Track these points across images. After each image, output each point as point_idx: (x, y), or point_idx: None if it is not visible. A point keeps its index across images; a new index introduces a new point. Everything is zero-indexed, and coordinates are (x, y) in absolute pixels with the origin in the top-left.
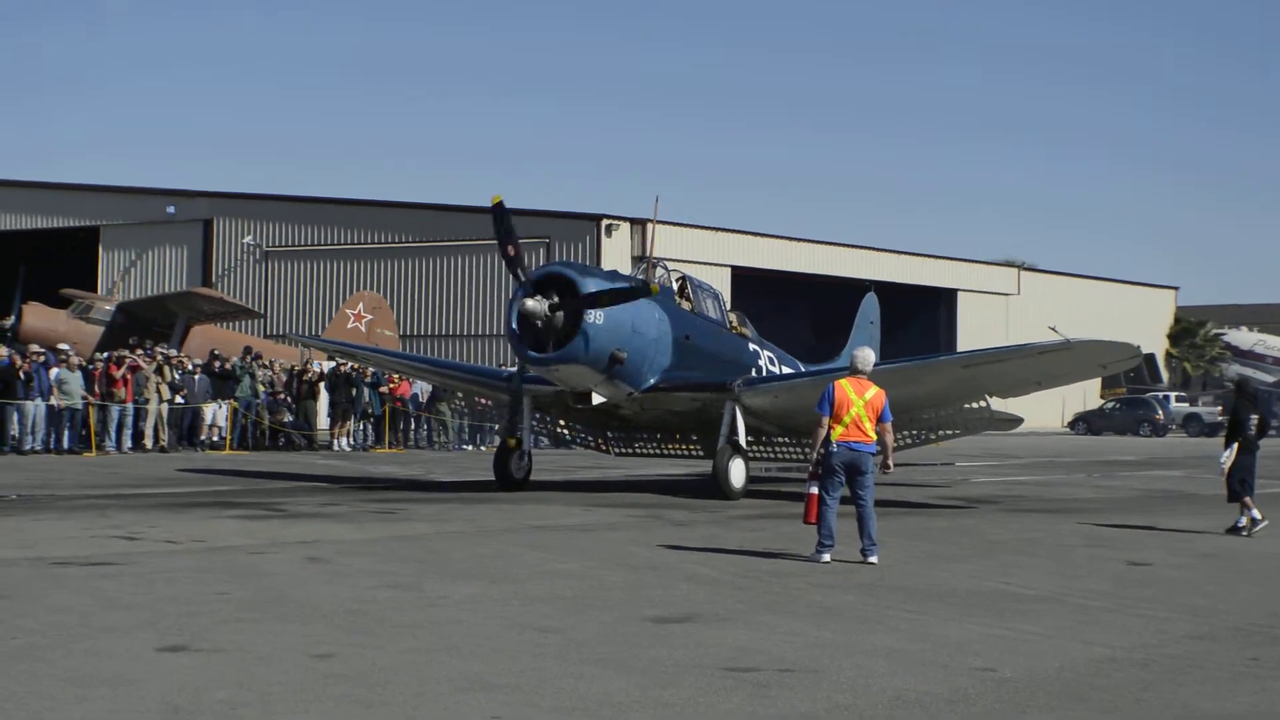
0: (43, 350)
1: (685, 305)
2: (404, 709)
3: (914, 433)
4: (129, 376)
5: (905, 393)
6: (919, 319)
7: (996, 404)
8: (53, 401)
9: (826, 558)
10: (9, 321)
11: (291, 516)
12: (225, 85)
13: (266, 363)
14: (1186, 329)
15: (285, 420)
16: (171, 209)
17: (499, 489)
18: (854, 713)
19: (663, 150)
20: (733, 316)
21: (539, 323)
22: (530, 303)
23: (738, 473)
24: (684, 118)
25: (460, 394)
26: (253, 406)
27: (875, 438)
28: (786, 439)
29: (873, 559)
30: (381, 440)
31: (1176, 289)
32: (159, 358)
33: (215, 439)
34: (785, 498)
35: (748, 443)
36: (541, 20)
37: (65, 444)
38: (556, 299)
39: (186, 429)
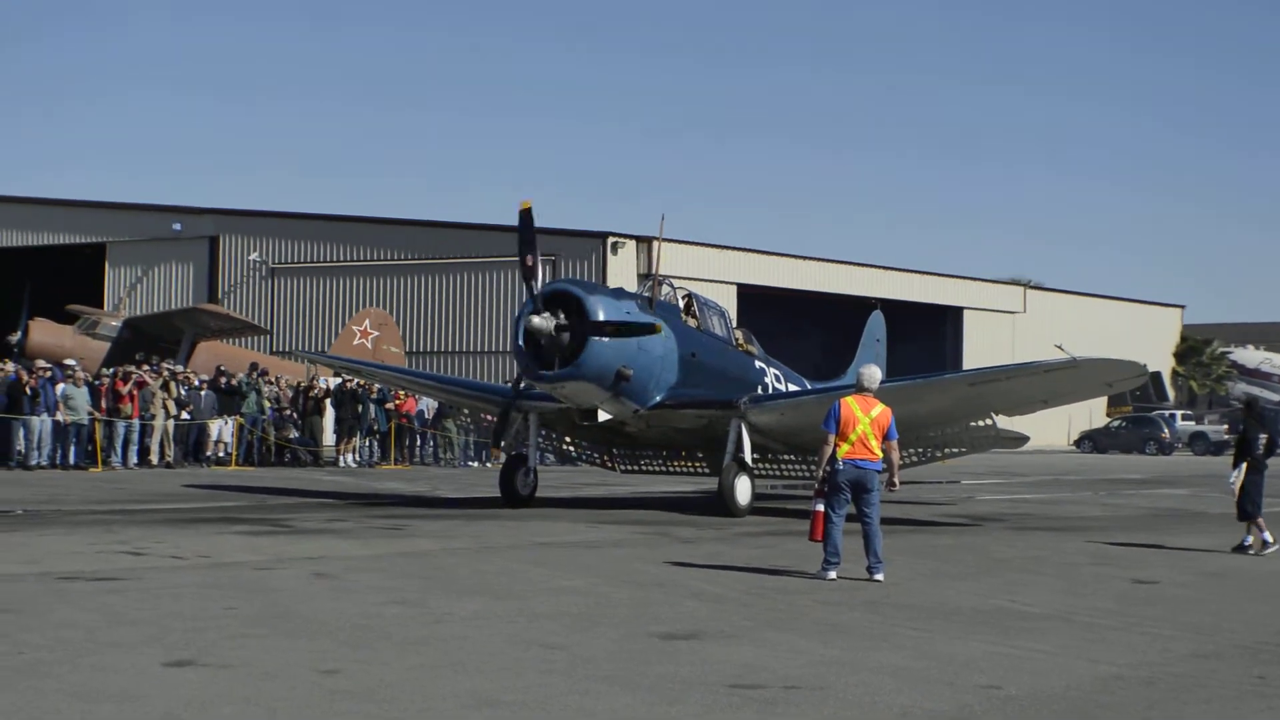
0: (49, 366)
1: (691, 323)
2: None
3: (920, 450)
4: (135, 392)
5: (911, 410)
6: (925, 337)
7: (1002, 422)
8: (59, 417)
9: (832, 575)
10: (16, 337)
11: (297, 532)
12: (231, 102)
13: (272, 379)
14: (1192, 347)
15: (291, 436)
16: (177, 226)
17: (505, 505)
18: None
19: (669, 168)
20: (739, 334)
21: (545, 340)
22: (537, 320)
23: (744, 490)
24: (690, 136)
25: (466, 410)
26: (259, 423)
27: (881, 455)
28: (792, 456)
29: (879, 576)
30: (387, 457)
31: (1183, 307)
32: (165, 374)
33: (221, 455)
34: (791, 515)
35: (754, 460)
36: (549, 39)
37: (71, 459)
38: (563, 317)
39: (192, 445)
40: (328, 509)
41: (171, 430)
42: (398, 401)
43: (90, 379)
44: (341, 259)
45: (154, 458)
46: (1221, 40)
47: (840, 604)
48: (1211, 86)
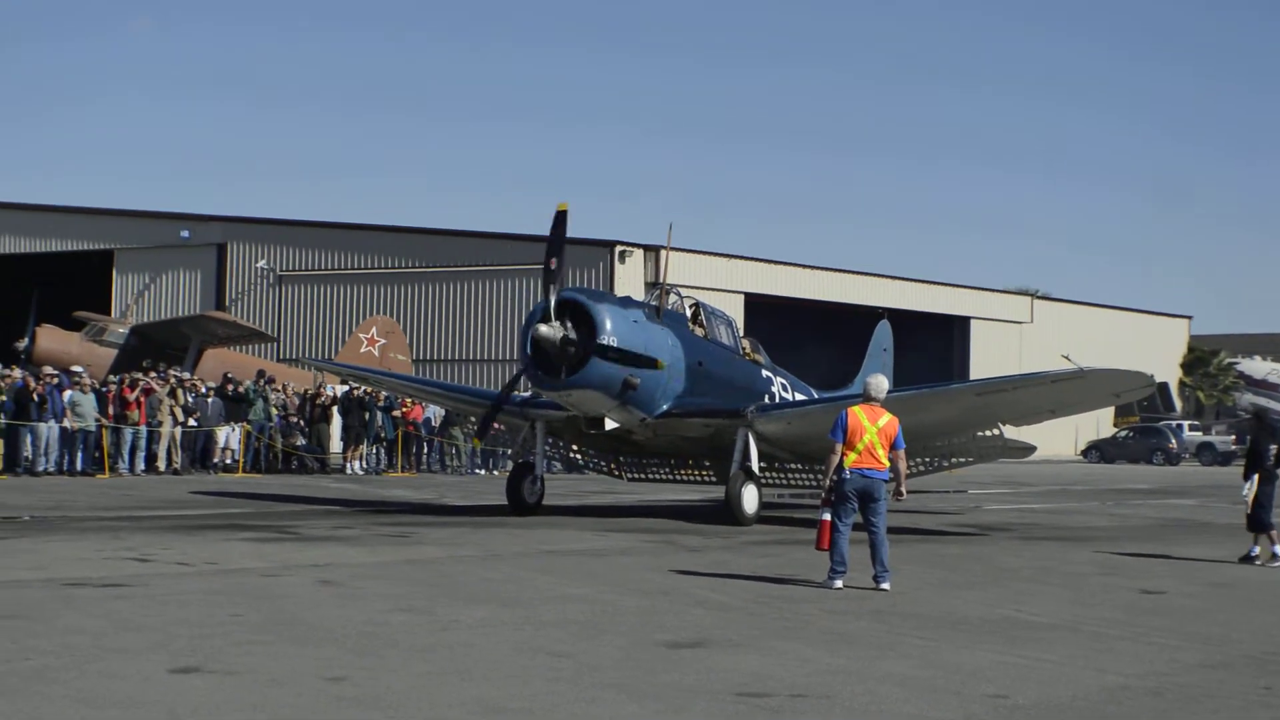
0: (56, 372)
1: (698, 331)
2: None
3: (927, 460)
4: (142, 399)
5: (918, 420)
6: (932, 346)
7: (1010, 432)
8: (66, 423)
9: (839, 584)
10: (23, 344)
11: (304, 539)
12: (240, 110)
13: (279, 386)
14: (1200, 358)
15: (298, 443)
16: (185, 233)
17: (511, 513)
18: None
19: (676, 177)
20: (746, 343)
21: (552, 348)
22: (545, 328)
23: (750, 499)
24: (698, 145)
25: (473, 418)
26: (265, 430)
27: (888, 464)
28: (799, 465)
29: (885, 586)
30: (394, 464)
31: (1190, 318)
32: (172, 381)
33: (228, 462)
34: (798, 524)
35: (760, 469)
36: (556, 47)
37: (78, 466)
38: (570, 326)
39: (199, 452)
40: (334, 516)
41: (179, 437)
42: (404, 409)
43: (97, 386)
44: (349, 267)
45: (161, 464)
46: (1229, 51)
47: (847, 613)
48: (1219, 96)
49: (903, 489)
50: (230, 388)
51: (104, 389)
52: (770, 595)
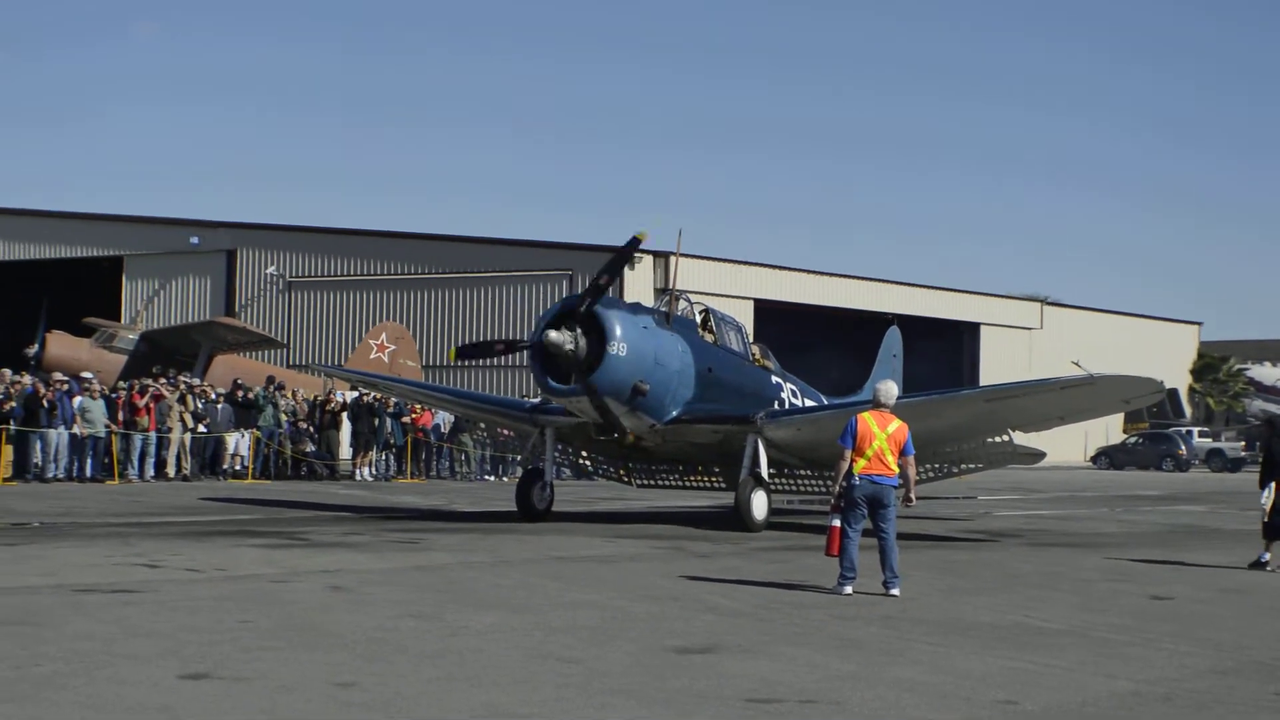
0: (66, 379)
1: (708, 337)
2: None
3: (936, 466)
4: (152, 405)
5: (927, 426)
6: (942, 352)
7: (1019, 438)
8: (76, 430)
9: (848, 590)
10: (33, 350)
11: (313, 546)
12: (249, 116)
13: (289, 392)
14: (1209, 364)
15: (307, 450)
16: (195, 239)
17: (521, 519)
18: None
19: (686, 183)
20: (755, 349)
21: (567, 351)
22: (554, 334)
23: (760, 505)
24: (707, 151)
25: (482, 424)
26: (275, 436)
27: (898, 471)
28: (809, 471)
29: (895, 591)
30: (403, 470)
31: (1199, 324)
32: (182, 387)
33: (238, 468)
34: (807, 530)
35: (770, 475)
36: (566, 54)
37: (88, 472)
38: (580, 332)
39: (209, 458)
40: (344, 522)
41: (188, 443)
42: (414, 415)
43: (107, 392)
44: (358, 273)
45: (170, 471)
46: (1239, 59)
47: (856, 619)
48: (1229, 103)
49: (912, 495)
50: (240, 394)
51: (114, 395)
52: (780, 601)
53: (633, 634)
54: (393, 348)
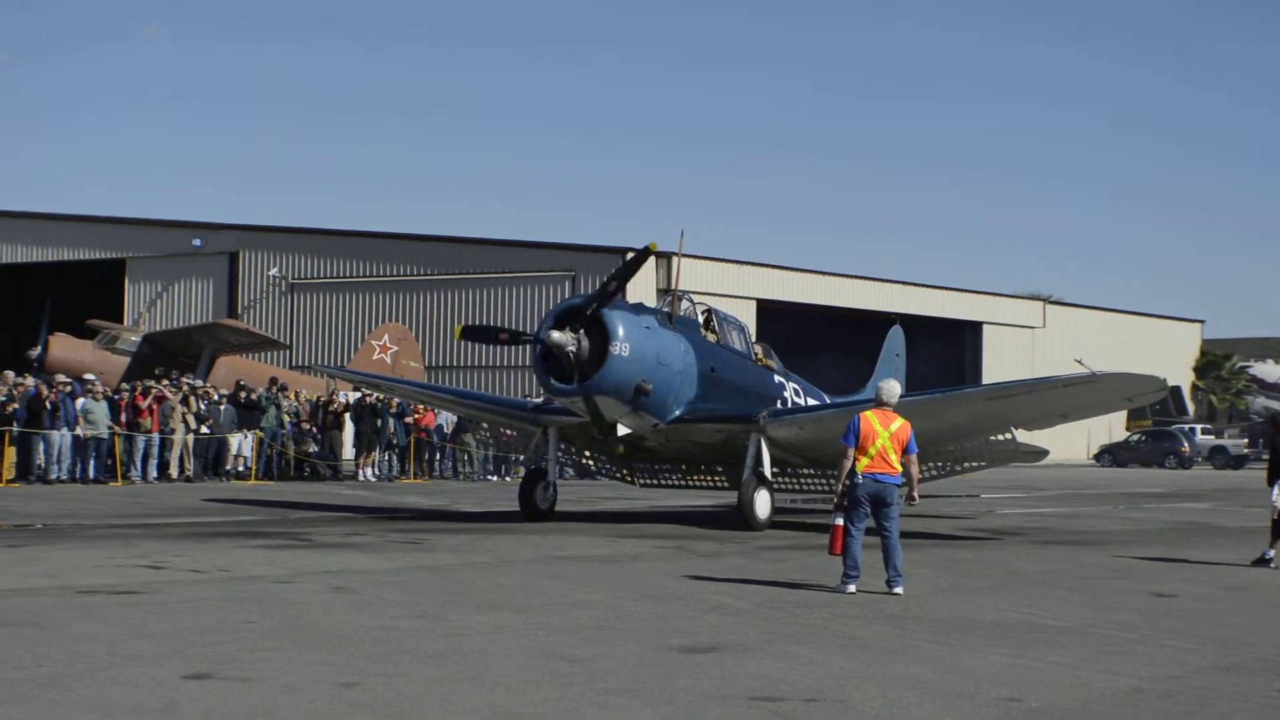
0: (69, 380)
1: (710, 337)
2: None
3: (939, 464)
4: (155, 407)
5: (931, 425)
6: (944, 351)
7: (1022, 436)
8: (79, 431)
9: (852, 589)
10: (36, 352)
11: (317, 546)
12: (251, 118)
13: (292, 394)
14: (1212, 362)
15: (310, 451)
16: (197, 241)
17: (524, 520)
18: None
19: (688, 183)
20: (758, 349)
21: (569, 352)
22: (556, 334)
23: (763, 504)
24: (709, 152)
25: (485, 425)
26: (278, 437)
27: (900, 469)
28: (812, 471)
29: (898, 590)
30: (406, 471)
31: (1202, 322)
32: (185, 388)
33: (240, 469)
34: (810, 529)
35: (773, 474)
36: (568, 56)
37: (91, 474)
38: (582, 332)
39: (212, 459)
40: (347, 523)
41: (191, 444)
42: (417, 416)
43: (110, 393)
44: (361, 274)
45: (173, 472)
46: (1241, 61)
47: (860, 618)
48: (1230, 104)
49: (915, 494)
50: (243, 395)
51: (117, 397)
52: (783, 600)
53: (636, 634)
54: (395, 349)
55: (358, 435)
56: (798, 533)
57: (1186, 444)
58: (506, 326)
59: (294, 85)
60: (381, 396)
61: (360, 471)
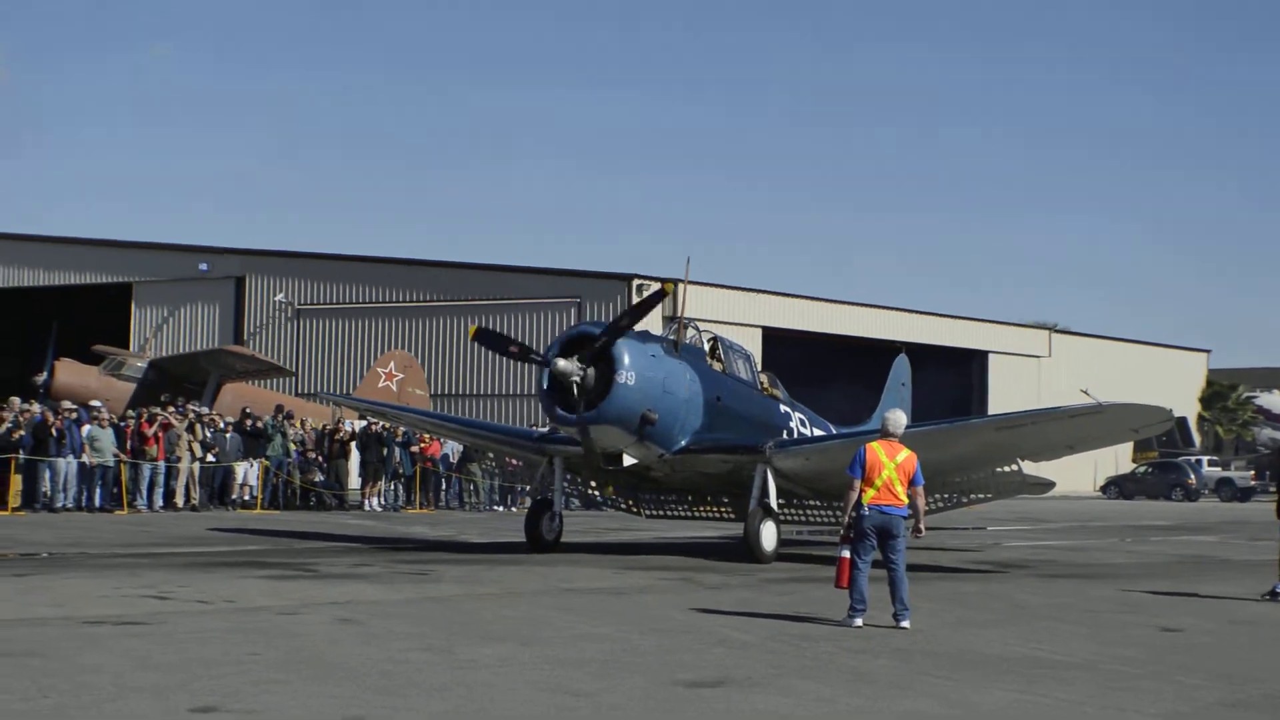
0: (75, 407)
1: (716, 366)
2: None
3: (945, 496)
4: (161, 434)
5: (937, 456)
6: (950, 381)
7: (1028, 467)
8: (84, 459)
9: (859, 622)
10: (41, 378)
11: (323, 577)
12: (259, 142)
13: (297, 422)
14: (1218, 392)
15: (316, 479)
16: (204, 266)
17: (530, 550)
18: None
19: (694, 210)
20: (764, 378)
21: (574, 382)
22: (562, 363)
23: (769, 536)
24: (715, 178)
25: (491, 454)
26: (284, 465)
27: (907, 501)
28: (818, 502)
29: (905, 623)
30: (412, 500)
31: (1208, 352)
32: (191, 415)
33: (246, 498)
34: (817, 561)
35: (779, 505)
36: (573, 81)
37: (97, 502)
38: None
39: (218, 487)
40: (353, 553)
41: (197, 473)
42: (422, 445)
43: (116, 420)
44: (367, 300)
45: (179, 500)
46: (1247, 87)
47: (866, 651)
48: (1238, 132)
49: (921, 526)
50: (249, 423)
51: (122, 424)
52: (790, 633)
53: (642, 667)
54: (401, 376)
55: (363, 464)
56: (804, 565)
57: (1193, 476)
58: (520, 341)
59: (301, 110)
60: (387, 425)
61: (366, 501)
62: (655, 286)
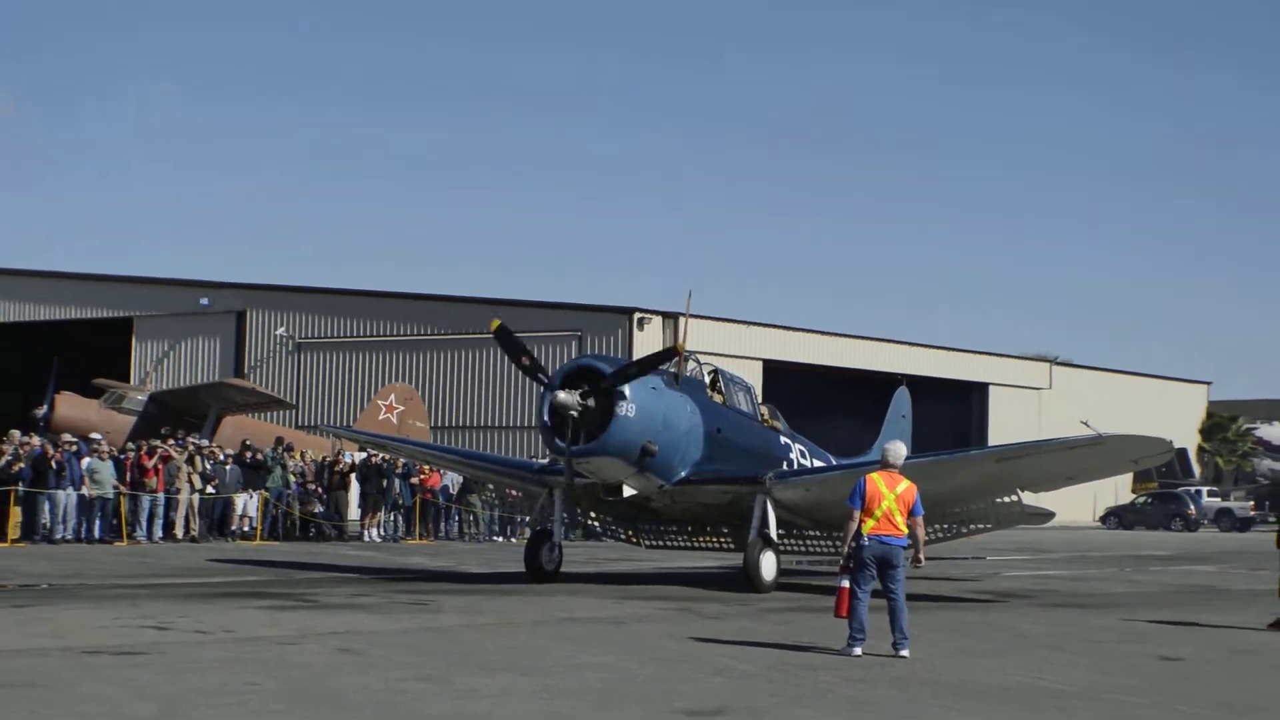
0: (75, 440)
1: (717, 398)
2: None
3: (945, 526)
4: (160, 466)
5: (937, 487)
6: (950, 413)
7: (1028, 498)
8: (84, 491)
9: (858, 651)
10: (42, 411)
11: (322, 607)
12: (259, 177)
13: (297, 453)
14: (1218, 424)
15: (316, 511)
16: (205, 300)
17: (530, 581)
18: None
19: (695, 244)
20: (764, 409)
21: (573, 414)
22: (562, 395)
23: (769, 566)
24: (716, 211)
25: (491, 485)
26: (284, 497)
27: (907, 531)
28: (818, 532)
29: (904, 653)
30: (412, 531)
31: (1208, 384)
32: (190, 448)
33: (246, 529)
34: (816, 591)
35: (779, 536)
36: (574, 113)
37: (96, 533)
38: (588, 391)
39: (217, 519)
40: (352, 584)
41: (196, 504)
42: (422, 476)
43: (116, 453)
44: (367, 334)
45: (179, 532)
46: (1250, 114)
47: (866, 681)
48: (1239, 161)
49: (921, 556)
50: (248, 455)
51: (122, 456)
52: (789, 663)
53: (642, 696)
54: (401, 408)
55: (363, 495)
56: (803, 594)
57: (1193, 506)
58: (534, 355)
59: (299, 144)
60: (387, 457)
61: (365, 532)
62: (654, 319)
